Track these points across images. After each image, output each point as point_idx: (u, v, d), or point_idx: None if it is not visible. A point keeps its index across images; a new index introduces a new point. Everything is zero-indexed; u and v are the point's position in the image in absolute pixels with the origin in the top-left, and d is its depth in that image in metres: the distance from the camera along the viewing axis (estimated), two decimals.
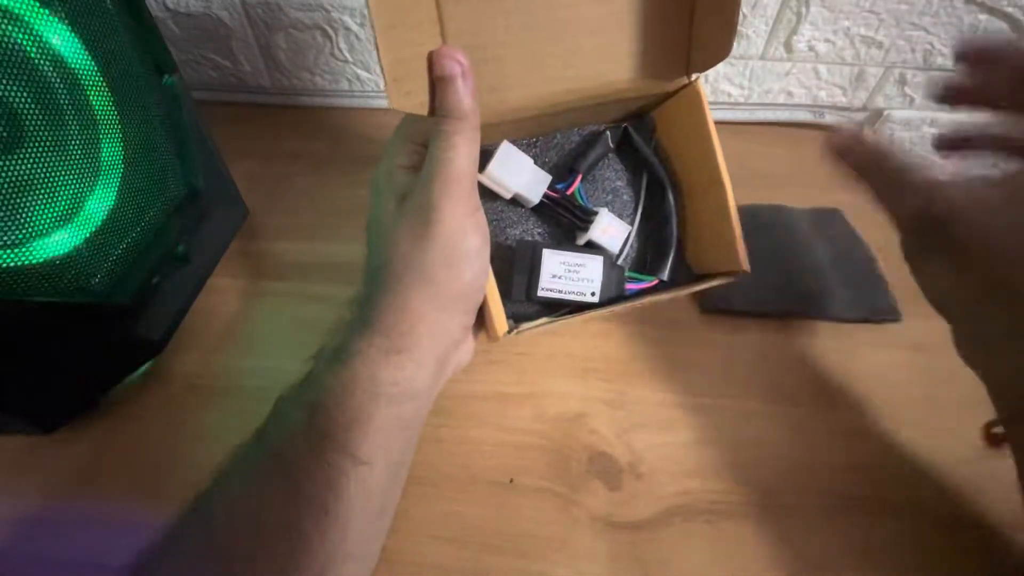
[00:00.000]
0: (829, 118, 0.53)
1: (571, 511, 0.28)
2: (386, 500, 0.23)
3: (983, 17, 0.47)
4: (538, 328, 0.29)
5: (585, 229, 0.31)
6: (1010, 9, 0.46)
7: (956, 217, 0.23)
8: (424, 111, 0.25)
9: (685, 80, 0.32)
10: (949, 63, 0.51)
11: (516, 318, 0.30)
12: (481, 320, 0.29)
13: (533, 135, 0.34)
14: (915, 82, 0.52)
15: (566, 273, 0.30)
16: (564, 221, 0.32)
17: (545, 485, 0.29)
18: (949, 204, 0.23)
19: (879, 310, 0.36)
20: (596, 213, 0.31)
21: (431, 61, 0.24)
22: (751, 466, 0.29)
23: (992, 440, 0.28)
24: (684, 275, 0.33)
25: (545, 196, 0.31)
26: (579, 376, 0.33)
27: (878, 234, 0.35)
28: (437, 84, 0.24)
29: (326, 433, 0.21)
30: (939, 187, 0.24)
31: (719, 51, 0.29)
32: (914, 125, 0.56)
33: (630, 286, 0.31)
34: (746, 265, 0.30)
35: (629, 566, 0.26)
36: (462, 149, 0.24)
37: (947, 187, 0.24)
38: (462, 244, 0.23)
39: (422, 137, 0.25)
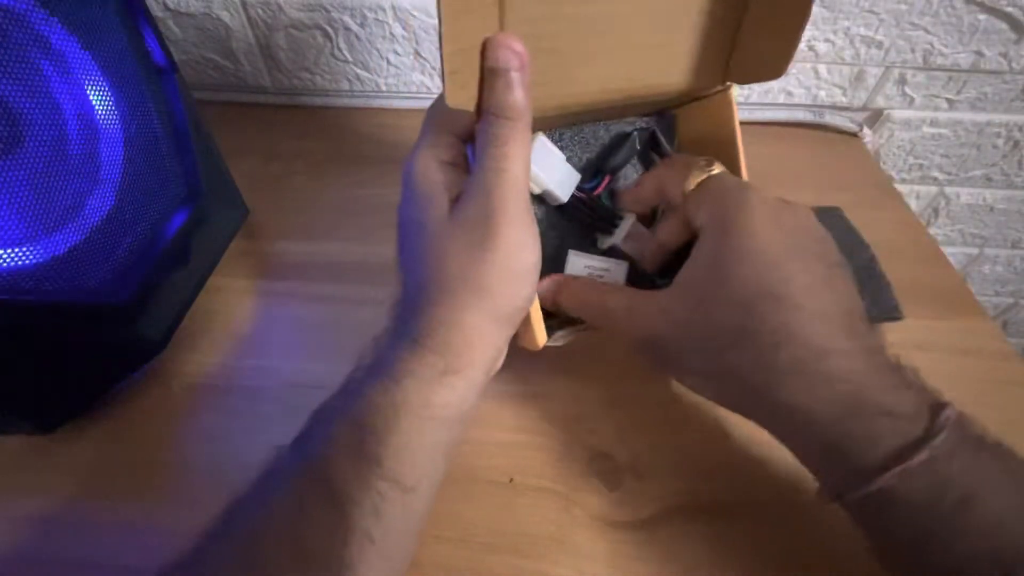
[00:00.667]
0: (829, 118, 0.53)
1: (571, 511, 0.28)
2: (424, 519, 0.22)
3: (983, 17, 0.47)
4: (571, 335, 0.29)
5: (610, 233, 0.30)
6: (1010, 9, 0.46)
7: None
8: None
9: (720, 86, 0.30)
10: (949, 63, 0.51)
11: None
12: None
13: (558, 128, 0.31)
14: (915, 82, 0.52)
15: (589, 277, 0.29)
16: (586, 223, 0.31)
17: (545, 485, 0.29)
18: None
19: (881, 309, 0.36)
20: (622, 218, 0.30)
21: (485, 49, 0.22)
22: (751, 466, 0.29)
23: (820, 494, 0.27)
24: None
25: (572, 195, 0.30)
26: (579, 376, 0.33)
27: (878, 234, 0.34)
28: (489, 76, 0.22)
29: (374, 458, 0.20)
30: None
31: (773, 68, 0.27)
32: (914, 125, 0.56)
33: None
34: None
35: (629, 566, 0.26)
36: (518, 156, 0.22)
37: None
38: (522, 260, 0.22)
39: (464, 131, 0.24)
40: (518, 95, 0.22)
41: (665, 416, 0.32)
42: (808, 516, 0.28)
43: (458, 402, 0.22)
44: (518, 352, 0.34)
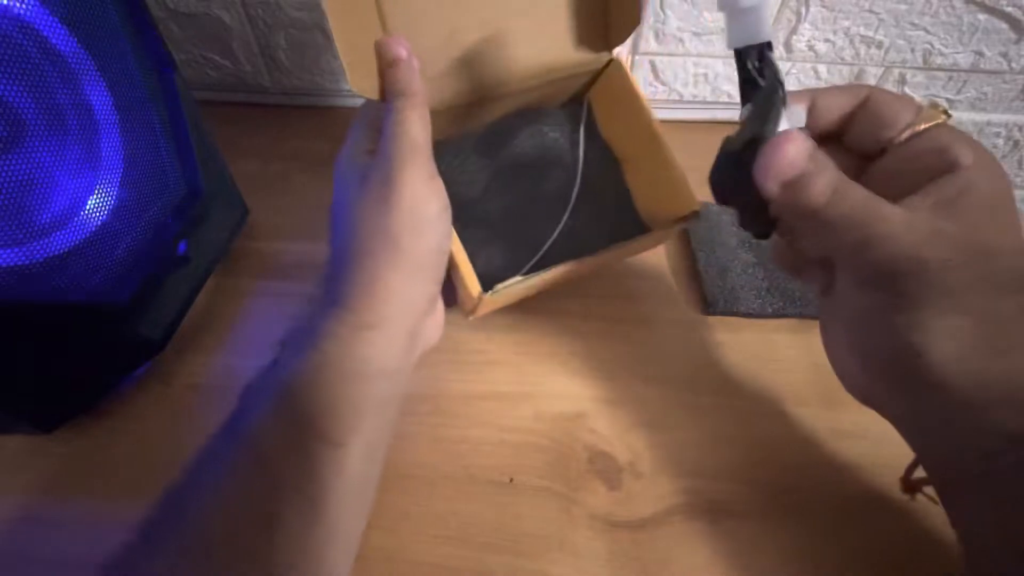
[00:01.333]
0: None
1: (571, 510, 0.28)
2: (365, 482, 0.23)
3: (982, 17, 0.47)
4: (513, 288, 0.29)
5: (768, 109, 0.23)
6: (1010, 9, 0.46)
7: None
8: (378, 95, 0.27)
9: (608, 56, 0.34)
10: (949, 63, 0.51)
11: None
12: (454, 297, 0.30)
13: (482, 124, 0.36)
14: (914, 82, 0.52)
15: None
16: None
17: (545, 484, 0.29)
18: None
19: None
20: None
21: (379, 49, 0.26)
22: (751, 465, 0.29)
23: (907, 485, 0.26)
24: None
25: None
26: (579, 375, 0.33)
27: None
28: (386, 69, 0.26)
29: (300, 419, 0.21)
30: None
31: (631, 20, 0.31)
32: None
33: None
34: (696, 205, 0.31)
35: (629, 565, 0.26)
36: (415, 121, 0.25)
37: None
38: (424, 209, 0.24)
39: (380, 121, 0.26)
40: (411, 77, 0.26)
41: (665, 416, 0.32)
42: (808, 516, 0.28)
43: (379, 356, 0.23)
44: (518, 352, 0.35)
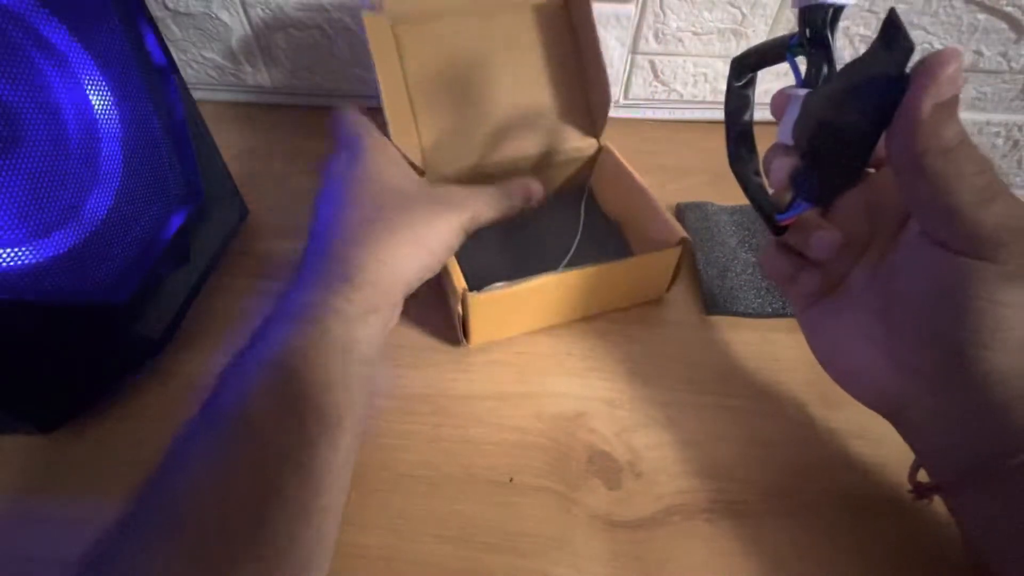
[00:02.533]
0: None
1: (571, 510, 0.28)
2: (351, 457, 0.23)
3: (982, 17, 0.47)
4: (502, 290, 0.31)
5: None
6: (1009, 9, 0.46)
7: None
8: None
9: (597, 144, 0.42)
10: None
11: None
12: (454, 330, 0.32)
13: None
14: None
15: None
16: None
17: (545, 484, 0.29)
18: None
19: None
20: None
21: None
22: (751, 465, 0.30)
23: (919, 490, 0.25)
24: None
25: None
26: (579, 375, 0.33)
27: None
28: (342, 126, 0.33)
29: (298, 394, 0.21)
30: None
31: (604, 103, 0.40)
32: None
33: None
34: (683, 234, 0.33)
35: (628, 565, 0.26)
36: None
37: None
38: (400, 183, 0.29)
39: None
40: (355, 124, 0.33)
41: (665, 416, 0.32)
42: (807, 516, 0.28)
43: (374, 339, 0.24)
44: (518, 352, 0.35)
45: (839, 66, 0.21)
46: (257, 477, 0.19)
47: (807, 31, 0.22)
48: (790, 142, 0.23)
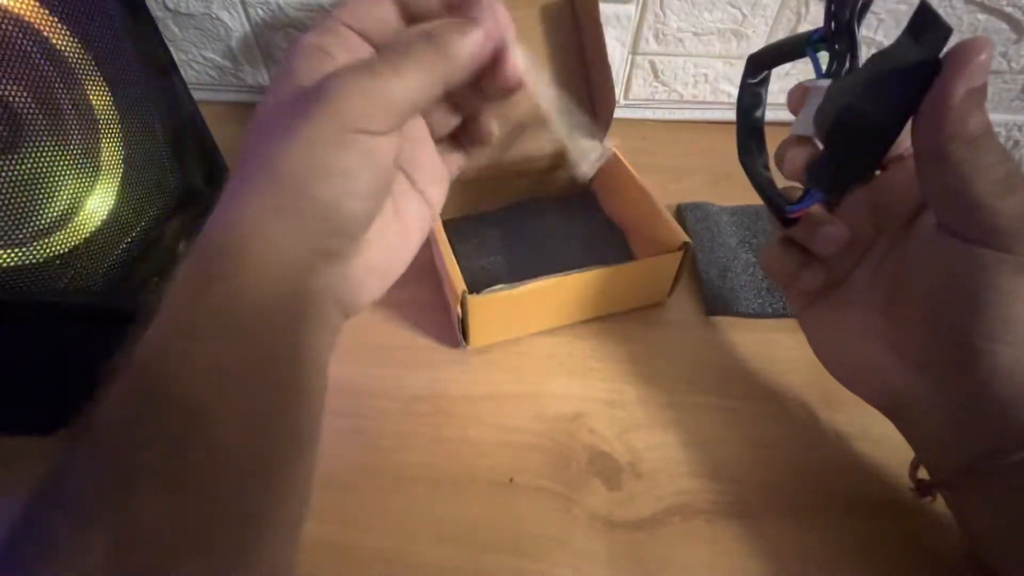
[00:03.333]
0: None
1: (571, 510, 0.28)
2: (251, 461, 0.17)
3: (982, 17, 0.47)
4: (502, 293, 0.31)
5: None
6: (1009, 9, 0.46)
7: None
8: None
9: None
10: None
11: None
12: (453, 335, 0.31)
13: (496, 206, 0.43)
14: None
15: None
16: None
17: (545, 485, 0.29)
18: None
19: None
20: None
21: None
22: (751, 466, 0.29)
23: (920, 487, 0.26)
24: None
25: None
26: (579, 376, 0.33)
27: None
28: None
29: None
30: None
31: (609, 106, 0.39)
32: None
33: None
34: (684, 238, 0.33)
35: (629, 565, 0.26)
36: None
37: None
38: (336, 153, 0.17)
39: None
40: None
41: (665, 416, 0.32)
42: (807, 516, 0.28)
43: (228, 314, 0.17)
44: (518, 352, 0.34)
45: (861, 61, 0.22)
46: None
47: (832, 23, 0.22)
48: (809, 132, 0.23)
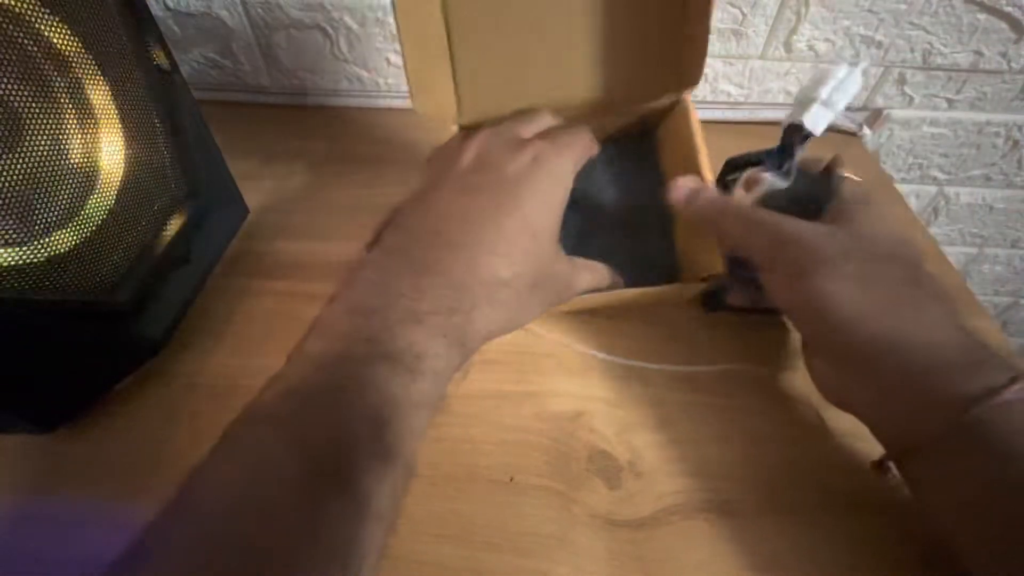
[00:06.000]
0: None
1: (571, 509, 0.28)
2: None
3: (982, 17, 0.47)
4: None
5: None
6: (1009, 9, 0.46)
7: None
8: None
9: (675, 97, 0.34)
10: (948, 62, 0.51)
11: None
12: None
13: None
14: (914, 81, 0.52)
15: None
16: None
17: (545, 483, 0.29)
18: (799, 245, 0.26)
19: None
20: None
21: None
22: (751, 464, 0.30)
23: (874, 464, 0.27)
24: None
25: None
26: (579, 375, 0.33)
27: None
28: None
29: (393, 452, 0.20)
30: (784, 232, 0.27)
31: (692, 77, 0.32)
32: (914, 124, 0.56)
33: None
34: (718, 267, 0.31)
35: (629, 564, 0.26)
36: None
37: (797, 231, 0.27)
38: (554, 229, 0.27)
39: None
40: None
41: (665, 416, 0.32)
42: (808, 515, 0.28)
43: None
44: (518, 351, 0.34)
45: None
46: (345, 533, 0.18)
47: (783, 145, 0.31)
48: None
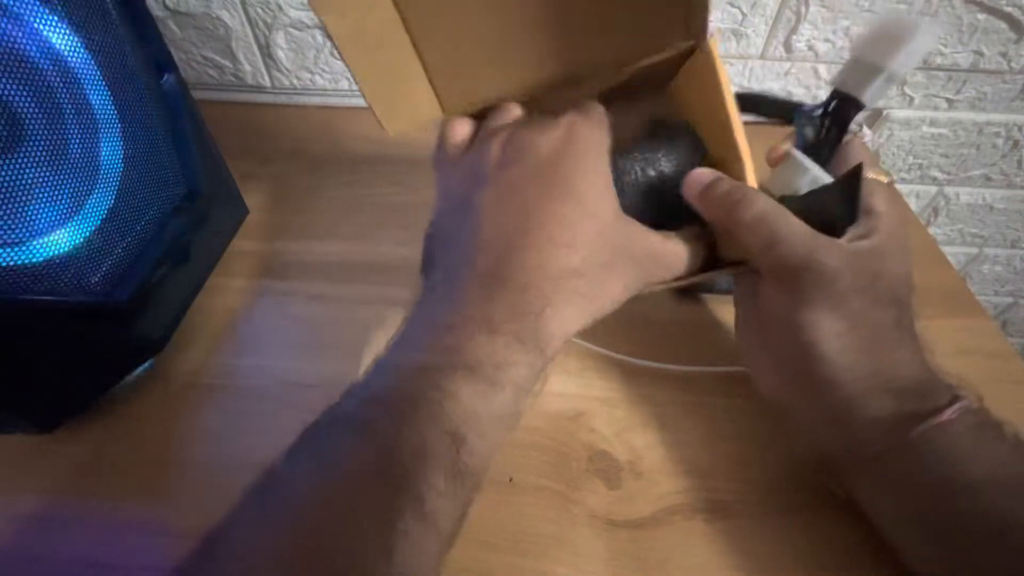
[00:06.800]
0: None
1: (570, 509, 0.28)
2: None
3: (982, 17, 0.47)
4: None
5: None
6: (1009, 9, 0.46)
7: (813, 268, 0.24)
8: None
9: (692, 44, 0.27)
10: (948, 62, 0.51)
11: None
12: None
13: None
14: (914, 82, 0.52)
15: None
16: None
17: (545, 483, 0.29)
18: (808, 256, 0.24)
19: None
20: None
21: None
22: (751, 464, 0.29)
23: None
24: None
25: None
26: (578, 375, 0.33)
27: None
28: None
29: (466, 469, 0.20)
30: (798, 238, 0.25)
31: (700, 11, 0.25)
32: (914, 125, 0.56)
33: None
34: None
35: (628, 564, 0.26)
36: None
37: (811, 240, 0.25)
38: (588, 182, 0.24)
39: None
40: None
41: (665, 416, 0.32)
42: (807, 515, 0.28)
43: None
44: None
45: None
46: (417, 556, 0.18)
47: (829, 114, 0.26)
48: (774, 192, 0.27)
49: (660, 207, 0.27)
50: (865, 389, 0.24)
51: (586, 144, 0.24)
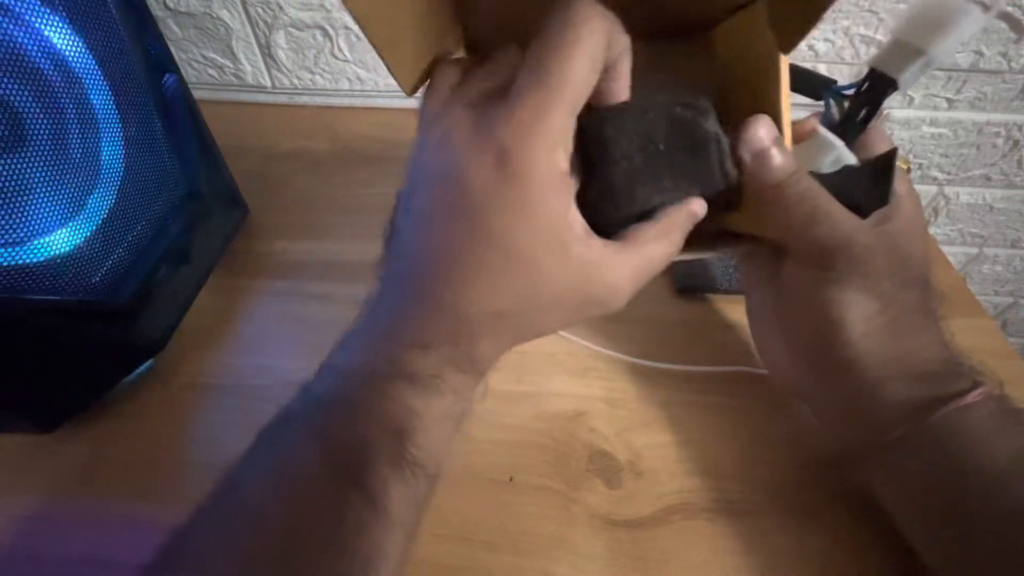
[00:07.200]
0: None
1: (571, 509, 0.28)
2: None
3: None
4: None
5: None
6: (1009, 9, 0.46)
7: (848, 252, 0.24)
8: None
9: None
10: (948, 62, 0.51)
11: None
12: None
13: None
14: None
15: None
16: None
17: (545, 483, 0.29)
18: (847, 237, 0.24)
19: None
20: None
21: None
22: (752, 464, 0.30)
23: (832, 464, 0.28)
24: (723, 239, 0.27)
25: None
26: (579, 374, 0.33)
27: None
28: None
29: (414, 462, 0.21)
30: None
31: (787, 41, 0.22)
32: (914, 124, 0.56)
33: None
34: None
35: (628, 564, 0.26)
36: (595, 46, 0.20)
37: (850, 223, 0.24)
38: (568, 215, 0.22)
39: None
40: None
41: (666, 416, 0.32)
42: (807, 514, 0.28)
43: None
44: (518, 351, 0.34)
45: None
46: (368, 542, 0.19)
47: (863, 93, 0.26)
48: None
49: (647, 196, 0.23)
50: (887, 375, 0.24)
51: (517, 177, 0.19)
